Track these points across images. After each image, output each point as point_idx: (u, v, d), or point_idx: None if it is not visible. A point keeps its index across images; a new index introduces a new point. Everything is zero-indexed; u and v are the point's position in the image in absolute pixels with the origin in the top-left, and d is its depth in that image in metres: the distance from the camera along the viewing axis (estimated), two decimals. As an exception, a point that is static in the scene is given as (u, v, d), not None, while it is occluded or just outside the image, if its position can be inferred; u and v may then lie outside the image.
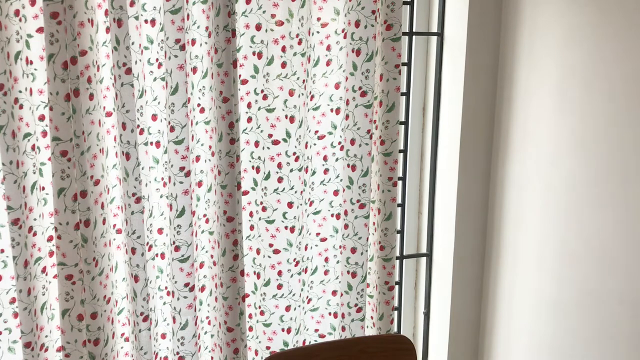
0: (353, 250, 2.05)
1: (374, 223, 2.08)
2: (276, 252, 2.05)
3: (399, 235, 2.27)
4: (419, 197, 2.35)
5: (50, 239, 1.83)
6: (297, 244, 2.05)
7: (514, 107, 2.06)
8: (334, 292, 2.16)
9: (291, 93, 1.95)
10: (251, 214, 2.03)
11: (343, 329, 2.11)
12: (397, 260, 2.28)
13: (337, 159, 2.06)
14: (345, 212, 2.03)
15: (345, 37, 1.94)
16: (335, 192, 2.09)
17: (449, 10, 2.13)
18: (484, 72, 2.10)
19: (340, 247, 2.09)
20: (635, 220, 1.71)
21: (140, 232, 1.81)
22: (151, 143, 1.87)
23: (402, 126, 2.20)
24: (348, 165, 2.00)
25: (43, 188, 1.81)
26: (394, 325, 2.15)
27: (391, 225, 2.05)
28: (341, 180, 2.05)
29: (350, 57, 1.93)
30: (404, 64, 2.17)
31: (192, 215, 1.88)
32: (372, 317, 2.15)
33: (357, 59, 1.92)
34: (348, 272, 2.06)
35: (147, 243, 1.88)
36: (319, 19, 1.95)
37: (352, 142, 1.98)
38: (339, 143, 2.04)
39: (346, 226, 2.04)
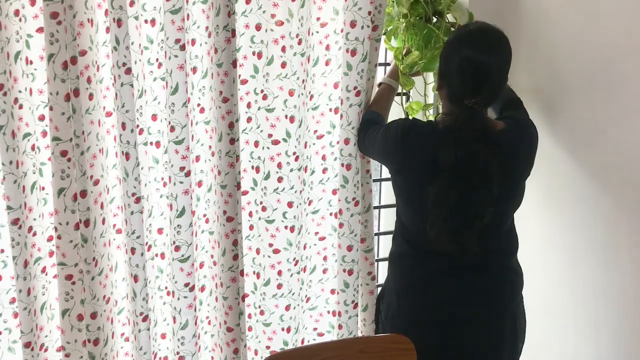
0: (349, 248, 2.05)
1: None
2: (276, 251, 2.05)
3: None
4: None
5: (50, 239, 1.83)
6: (297, 244, 2.06)
7: (512, 107, 2.06)
8: (333, 291, 2.16)
9: (291, 93, 1.95)
10: (251, 214, 2.03)
11: (340, 327, 2.11)
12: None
13: (335, 158, 2.06)
14: (340, 211, 2.03)
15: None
16: (334, 191, 2.09)
17: (448, 10, 2.13)
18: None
19: (337, 245, 2.09)
20: (636, 218, 1.71)
21: (139, 232, 1.81)
22: (151, 143, 1.86)
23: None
24: (342, 165, 2.00)
25: (43, 188, 1.80)
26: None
27: (370, 217, 2.07)
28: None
29: (345, 57, 1.91)
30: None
31: (192, 215, 1.88)
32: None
33: (352, 59, 1.91)
34: (344, 270, 2.06)
35: (147, 243, 1.87)
36: (318, 18, 1.95)
37: (347, 141, 1.97)
38: (337, 142, 2.04)
39: (341, 225, 2.04)
